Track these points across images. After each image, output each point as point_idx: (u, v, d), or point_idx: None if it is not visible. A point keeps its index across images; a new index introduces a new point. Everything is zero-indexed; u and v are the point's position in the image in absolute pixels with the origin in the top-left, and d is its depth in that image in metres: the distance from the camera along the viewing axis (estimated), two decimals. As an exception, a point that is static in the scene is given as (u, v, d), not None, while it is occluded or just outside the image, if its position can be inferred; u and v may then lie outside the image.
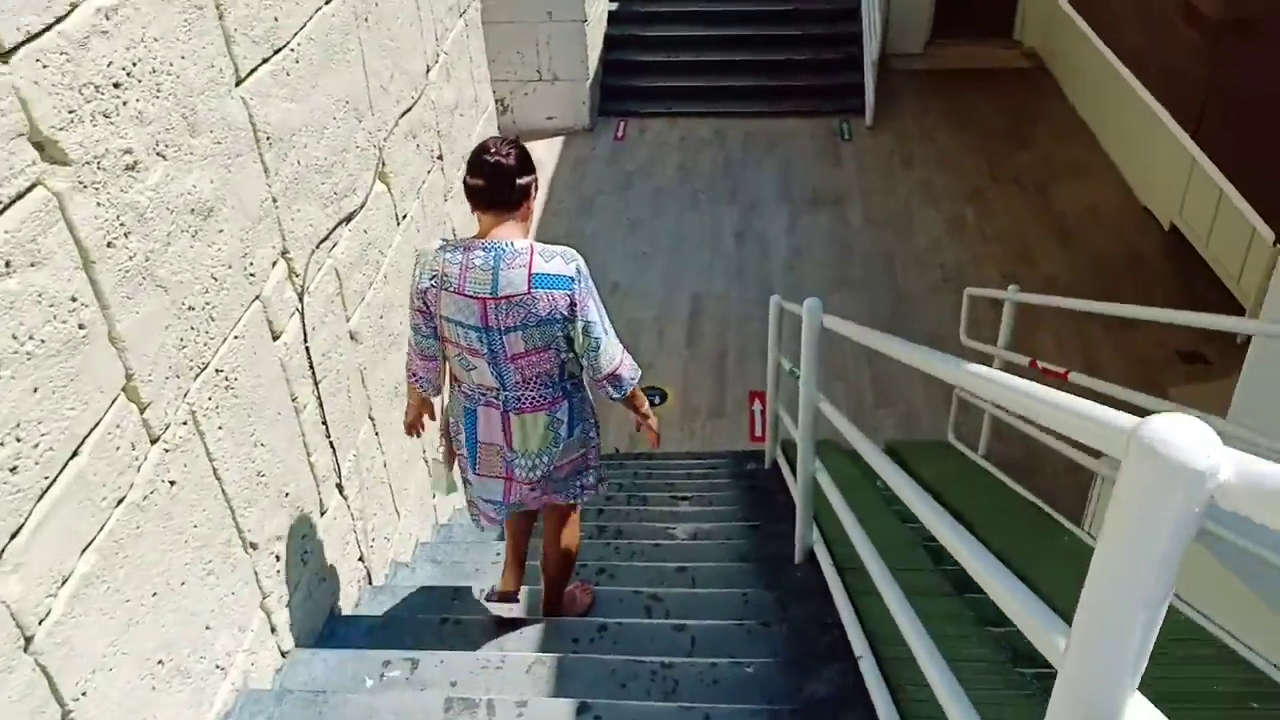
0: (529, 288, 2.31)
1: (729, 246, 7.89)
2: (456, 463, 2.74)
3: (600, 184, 8.80)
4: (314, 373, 2.84)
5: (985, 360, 6.37)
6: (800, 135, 9.45)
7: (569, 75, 9.30)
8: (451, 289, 2.35)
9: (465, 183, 2.43)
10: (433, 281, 2.39)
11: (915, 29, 10.64)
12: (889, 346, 2.61)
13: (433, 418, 2.85)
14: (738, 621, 2.90)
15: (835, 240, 7.88)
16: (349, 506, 3.12)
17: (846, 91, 9.82)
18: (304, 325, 2.78)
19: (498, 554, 3.84)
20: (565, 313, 2.36)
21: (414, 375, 2.65)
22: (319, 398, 2.88)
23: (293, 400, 2.72)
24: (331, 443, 2.96)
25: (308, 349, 2.80)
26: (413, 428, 2.81)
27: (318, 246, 2.89)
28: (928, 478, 4.91)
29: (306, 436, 2.80)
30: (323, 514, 2.94)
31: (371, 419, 3.33)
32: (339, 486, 3.05)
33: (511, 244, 2.35)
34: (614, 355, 2.50)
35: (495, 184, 2.38)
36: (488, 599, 3.14)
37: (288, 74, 2.66)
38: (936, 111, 9.66)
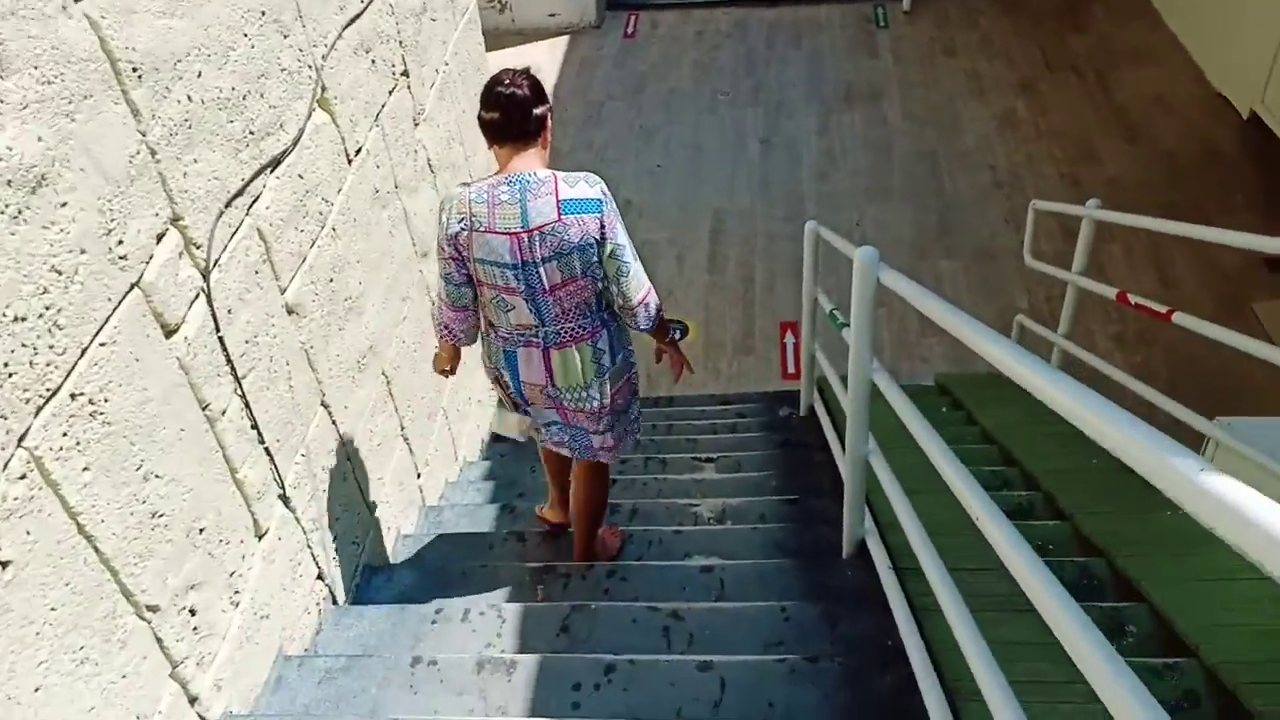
0: (559, 214, 2.30)
1: (753, 154, 7.12)
2: (508, 403, 2.72)
3: (609, 88, 7.99)
4: (233, 367, 2.24)
5: (1057, 288, 5.66)
6: (830, 24, 8.54)
7: (572, -35, 8.41)
8: (482, 229, 2.33)
9: (480, 117, 2.38)
10: (461, 224, 2.35)
11: (957, -103, 9.54)
12: (959, 327, 1.97)
13: (454, 370, 2.82)
14: (777, 658, 2.33)
15: (872, 142, 7.09)
16: (298, 519, 2.55)
17: (880, -28, 8.84)
18: (213, 310, 2.16)
19: (491, 546, 3.29)
20: (597, 236, 2.35)
21: (444, 327, 2.61)
22: (244, 397, 2.29)
23: (203, 408, 2.12)
24: (267, 448, 2.38)
25: (221, 339, 2.19)
26: (445, 373, 2.81)
27: (229, 204, 2.24)
28: (988, 424, 4.29)
29: (228, 449, 2.22)
30: (260, 537, 2.37)
31: (326, 406, 2.74)
32: (283, 498, 2.48)
33: (535, 173, 2.33)
34: (642, 281, 2.47)
35: (511, 116, 2.34)
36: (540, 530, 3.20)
37: (163, -23, 1.99)
38: (981, -9, 8.69)
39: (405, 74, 3.49)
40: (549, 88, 8.04)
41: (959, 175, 6.66)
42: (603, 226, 2.35)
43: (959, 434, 4.29)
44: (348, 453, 2.87)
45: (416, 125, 3.63)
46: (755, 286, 5.98)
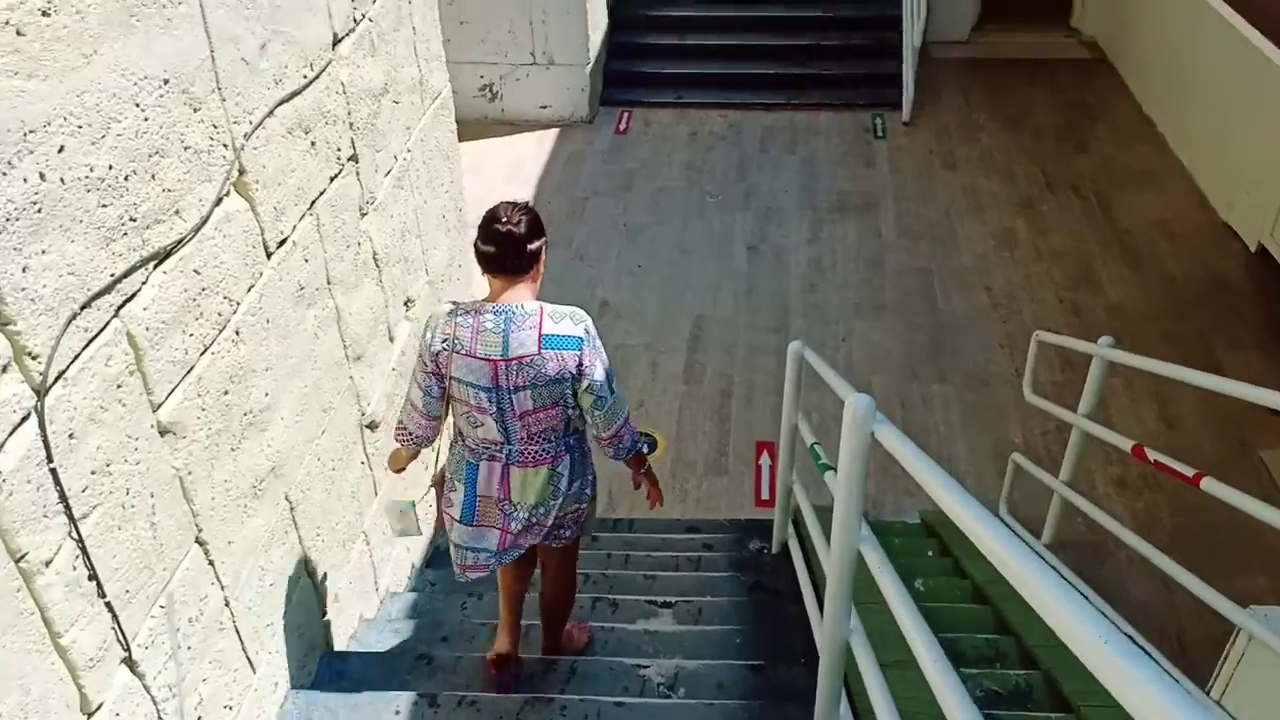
0: (539, 349, 2.41)
1: (739, 260, 6.83)
2: (439, 513, 2.78)
3: (596, 184, 7.74)
4: (68, 506, 1.82)
5: (1054, 421, 5.24)
6: (827, 131, 8.36)
7: (567, 58, 8.24)
8: (463, 351, 2.44)
9: (476, 248, 2.47)
10: (444, 345, 2.46)
11: (961, 12, 9.53)
12: (959, 512, 1.63)
13: (404, 468, 2.93)
14: None
15: (864, 255, 6.80)
16: (148, 687, 2.10)
17: (881, 82, 8.72)
18: (45, 436, 1.75)
19: (397, 712, 2.82)
20: (574, 371, 2.45)
21: (405, 432, 2.70)
22: (80, 541, 1.86)
23: (16, 560, 1.70)
24: (109, 603, 1.94)
25: (54, 471, 1.78)
26: (400, 470, 2.93)
27: (87, 305, 1.86)
28: (979, 578, 3.87)
29: (50, 609, 1.78)
30: (90, 715, 1.92)
31: (202, 542, 2.31)
32: (128, 662, 2.03)
33: (522, 306, 2.43)
34: (619, 414, 2.58)
35: (507, 251, 2.43)
36: (485, 669, 3.02)
37: (18, 33, 1.64)
38: (982, 107, 8.55)
39: (353, 159, 3.16)
40: (534, 179, 7.80)
41: (954, 294, 6.36)
42: (581, 364, 2.45)
43: (947, 588, 3.86)
44: (227, 598, 2.43)
45: (363, 215, 3.28)
46: (733, 400, 5.60)
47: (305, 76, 2.77)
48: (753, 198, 7.51)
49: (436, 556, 4.22)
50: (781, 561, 4.09)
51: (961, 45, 9.63)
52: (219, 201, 2.33)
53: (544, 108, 8.46)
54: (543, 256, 2.53)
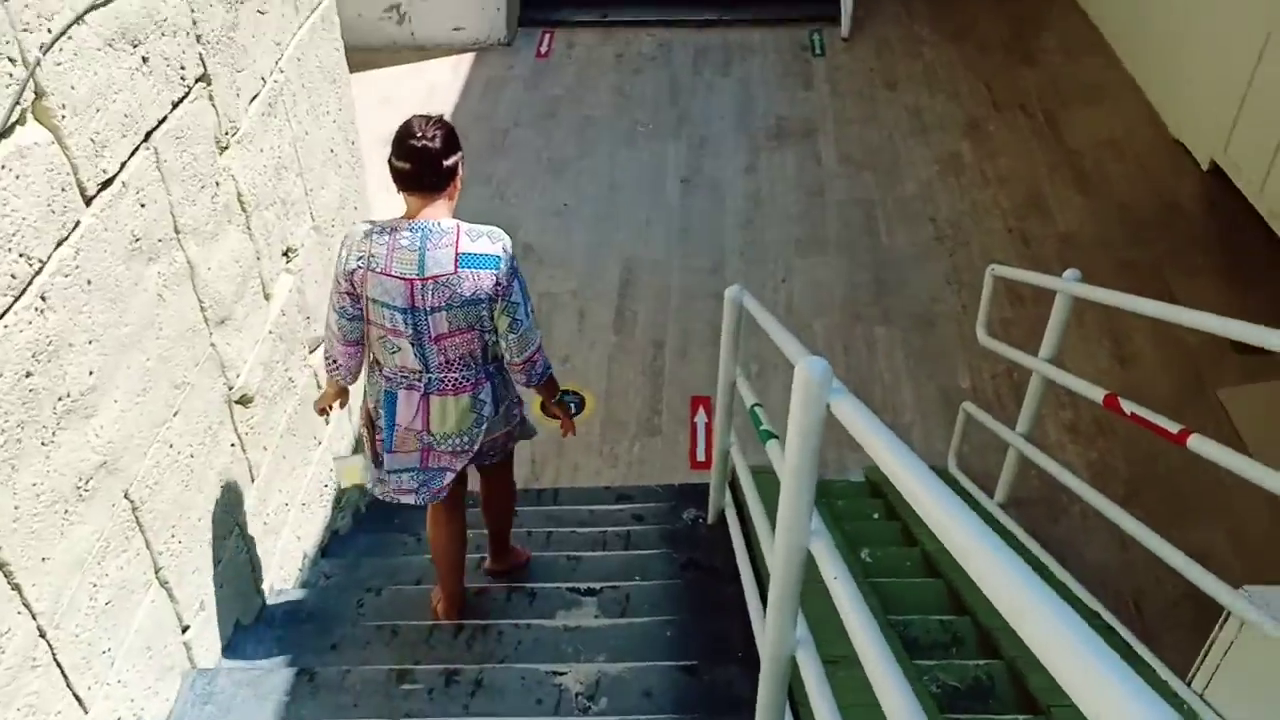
0: (455, 267, 2.36)
1: (672, 195, 6.38)
2: (368, 448, 2.74)
3: (517, 113, 7.19)
4: None
5: (1004, 363, 4.95)
6: (762, 50, 7.85)
7: (480, -25, 7.59)
8: (378, 270, 2.39)
9: (390, 164, 2.41)
10: (359, 262, 2.42)
11: (899, -82, 8.94)
12: (935, 509, 1.28)
13: (344, 405, 2.93)
14: None
15: (804, 185, 6.39)
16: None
17: (817, -6, 8.20)
18: None
19: (287, 698, 2.46)
20: (490, 292, 2.40)
21: (333, 362, 2.67)
22: None
23: None
24: None
25: None
26: (324, 412, 2.94)
27: None
28: (929, 545, 3.58)
29: None
30: None
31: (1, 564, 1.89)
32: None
33: (439, 224, 2.39)
34: (532, 340, 2.54)
35: (422, 168, 2.38)
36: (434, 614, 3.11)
37: None
38: (924, 19, 8.08)
39: (204, 80, 2.65)
40: (449, 110, 7.22)
41: (898, 227, 5.99)
42: (498, 284, 2.40)
43: (896, 560, 3.57)
44: (42, 627, 2.02)
45: (223, 149, 2.79)
46: (666, 352, 5.22)
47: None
48: (685, 125, 7.03)
49: (334, 542, 3.84)
50: (718, 533, 3.77)
51: (902, -47, 9.08)
52: (5, 132, 1.85)
53: (457, 29, 7.83)
54: (460, 172, 2.48)
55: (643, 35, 8.06)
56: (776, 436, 2.68)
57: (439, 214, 2.42)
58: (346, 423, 4.01)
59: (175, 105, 2.49)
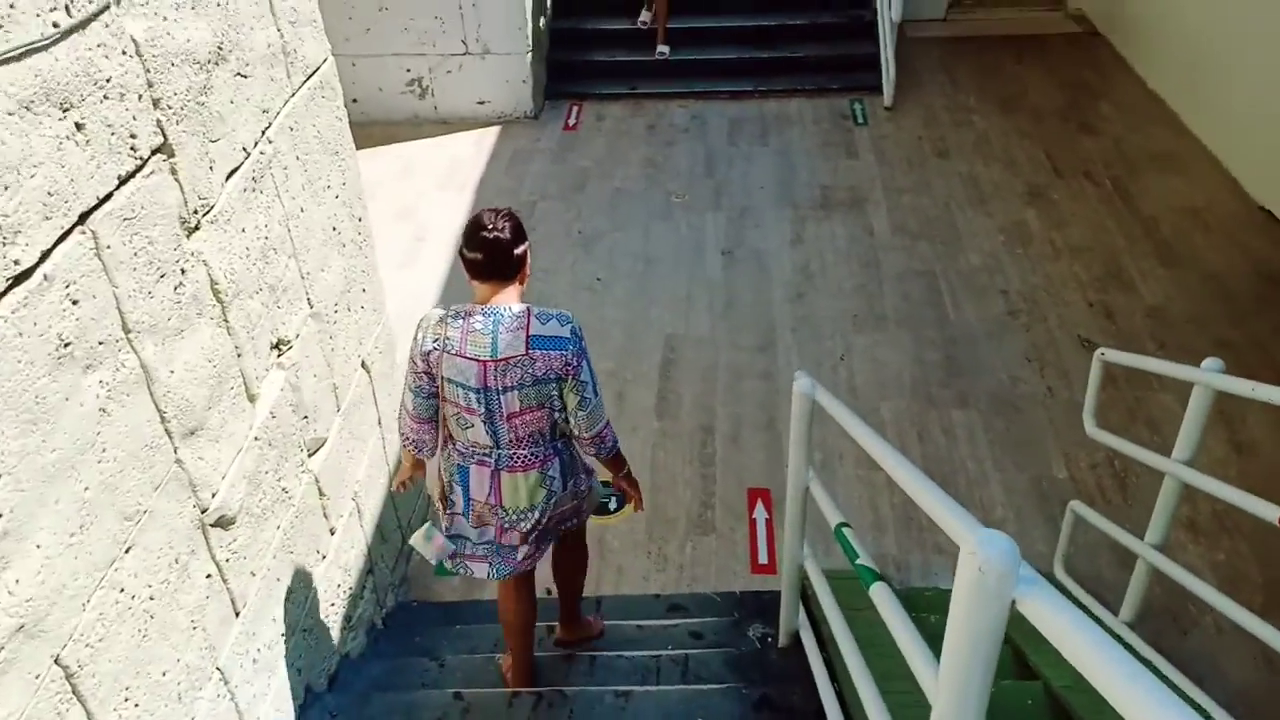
0: (527, 349, 2.45)
1: (714, 268, 5.87)
2: (443, 521, 2.80)
3: (544, 186, 6.76)
4: None
5: (1102, 451, 4.35)
6: (801, 120, 7.44)
7: (504, 47, 7.25)
8: (453, 351, 2.48)
9: (463, 254, 2.52)
10: (435, 344, 2.51)
11: (936, -12, 8.67)
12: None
13: (422, 477, 2.96)
14: None
15: (857, 256, 5.88)
16: None
17: (855, 65, 7.83)
18: None
19: None
20: (559, 372, 2.48)
21: (407, 439, 2.74)
22: None
23: None
24: None
25: None
26: (403, 487, 2.96)
27: None
28: (1054, 679, 2.93)
29: None
30: None
31: None
32: None
33: (510, 308, 2.48)
34: (600, 416, 2.61)
35: (495, 259, 2.47)
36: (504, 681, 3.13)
37: None
38: (970, 88, 7.68)
39: (164, 150, 2.14)
40: (473, 183, 6.79)
41: (965, 301, 5.45)
42: (567, 364, 2.48)
43: (1013, 697, 2.91)
44: None
45: (191, 231, 2.27)
46: (716, 438, 4.63)
47: (56, 26, 1.76)
48: (724, 196, 6.56)
49: (344, 669, 3.21)
50: (792, 659, 3.13)
51: (938, 24, 8.79)
52: None
53: (481, 103, 7.47)
54: (528, 260, 2.58)
55: (674, 106, 7.68)
56: (883, 578, 2.11)
57: (510, 299, 2.51)
58: (357, 529, 3.43)
59: (123, 181, 1.98)
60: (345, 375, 3.32)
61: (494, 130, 7.41)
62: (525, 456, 2.58)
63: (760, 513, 4.22)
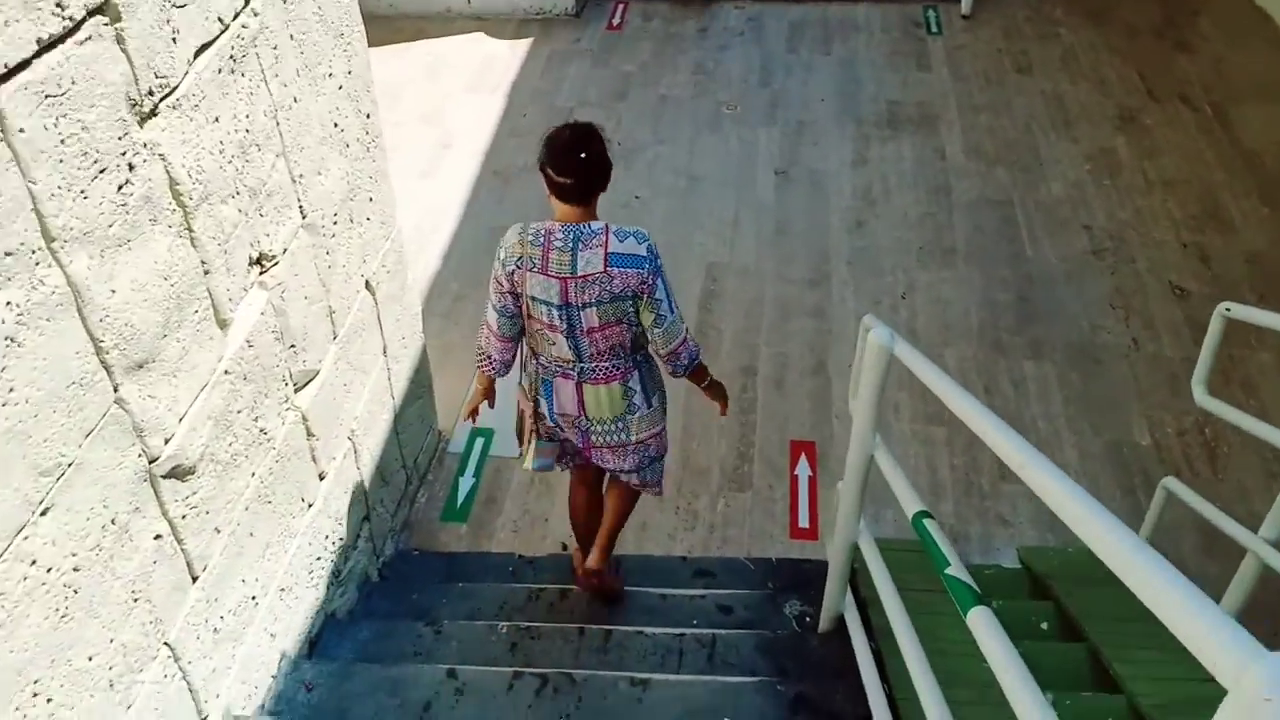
0: (605, 266, 2.46)
1: (765, 190, 5.35)
2: (529, 431, 2.84)
3: (584, 91, 6.22)
4: None
5: (1192, 415, 3.82)
6: (869, 26, 6.78)
7: (547, -66, 6.64)
8: (536, 269, 2.49)
9: (548, 175, 2.48)
10: (519, 264, 2.51)
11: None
12: None
13: (492, 404, 2.94)
14: None
15: (925, 183, 5.33)
16: None
17: (932, -33, 7.12)
18: None
19: None
20: (635, 289, 2.50)
21: (487, 358, 2.76)
22: None
23: None
24: None
25: None
26: (473, 414, 2.94)
27: None
28: (1131, 681, 2.53)
29: None
30: None
31: None
32: None
33: (589, 226, 2.49)
34: (678, 331, 2.63)
35: (590, 183, 2.48)
36: (575, 582, 3.22)
37: None
38: (1057, -2, 6.95)
39: (103, 11, 1.70)
40: (506, 86, 6.27)
41: (1044, 237, 4.90)
42: (644, 282, 2.50)
43: (1094, 714, 2.50)
44: None
45: (144, 117, 1.84)
46: (757, 382, 4.20)
47: None
48: (779, 109, 5.99)
49: (328, 630, 2.89)
50: (834, 648, 2.75)
51: (1026, -75, 7.96)
52: None
53: (520, -3, 6.89)
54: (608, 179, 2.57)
55: (729, 7, 7.04)
56: (979, 596, 1.73)
57: (588, 217, 2.52)
58: (353, 472, 3.06)
59: (45, 47, 1.54)
60: (344, 298, 2.91)
61: (532, 27, 6.84)
62: (607, 369, 2.64)
63: (803, 469, 3.81)
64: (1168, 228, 4.90)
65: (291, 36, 2.47)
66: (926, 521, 2.07)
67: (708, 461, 3.87)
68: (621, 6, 7.06)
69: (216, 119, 2.11)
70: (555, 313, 2.52)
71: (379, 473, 3.30)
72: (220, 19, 2.10)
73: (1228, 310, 2.93)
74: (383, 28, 6.68)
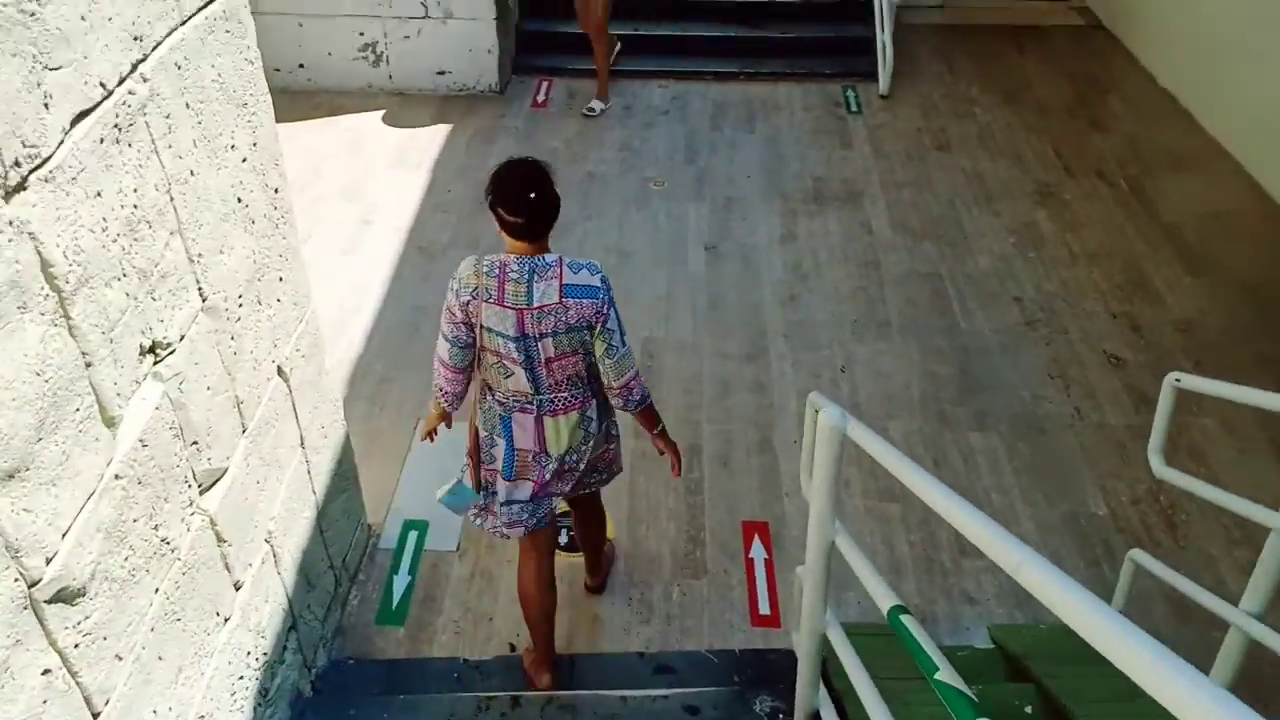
0: (560, 297, 2.51)
1: (697, 265, 5.26)
2: (470, 477, 2.88)
3: (509, 167, 6.07)
4: None
5: (1145, 483, 3.78)
6: (790, 105, 6.85)
7: (469, 12, 6.56)
8: (491, 300, 2.53)
9: (500, 216, 2.52)
10: (473, 294, 2.55)
11: (937, -29, 8.13)
12: None
13: (449, 426, 2.98)
14: None
15: (855, 256, 5.30)
16: None
17: (848, 49, 7.28)
18: None
19: None
20: (590, 320, 2.56)
21: (440, 390, 2.81)
22: None
23: None
24: None
25: None
26: (430, 435, 3.01)
27: None
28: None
29: None
30: None
31: None
32: None
33: (543, 258, 2.54)
34: (630, 365, 2.68)
35: (543, 221, 2.54)
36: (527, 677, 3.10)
37: None
38: (971, 78, 7.14)
39: None
40: (430, 162, 6.11)
41: (975, 308, 4.89)
42: (598, 312, 2.55)
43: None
44: None
45: (14, 190, 1.60)
46: (703, 461, 4.02)
47: None
48: (706, 185, 5.95)
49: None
50: (808, 748, 2.54)
51: (934, 10, 8.24)
52: None
53: (441, 74, 6.78)
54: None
55: (653, 86, 7.05)
56: (986, 711, 1.60)
57: (541, 250, 2.56)
58: (273, 578, 2.76)
59: None
60: (254, 386, 2.64)
61: (456, 104, 6.72)
62: (565, 399, 2.68)
63: (758, 551, 3.62)
64: (1096, 299, 4.95)
65: (188, 105, 2.24)
66: (904, 618, 1.94)
67: (658, 546, 3.65)
68: (546, 84, 7.01)
69: (99, 193, 1.86)
70: (512, 345, 2.56)
71: (303, 576, 3.00)
72: (103, 84, 1.86)
73: (1178, 381, 2.87)
74: (301, 103, 6.49)
